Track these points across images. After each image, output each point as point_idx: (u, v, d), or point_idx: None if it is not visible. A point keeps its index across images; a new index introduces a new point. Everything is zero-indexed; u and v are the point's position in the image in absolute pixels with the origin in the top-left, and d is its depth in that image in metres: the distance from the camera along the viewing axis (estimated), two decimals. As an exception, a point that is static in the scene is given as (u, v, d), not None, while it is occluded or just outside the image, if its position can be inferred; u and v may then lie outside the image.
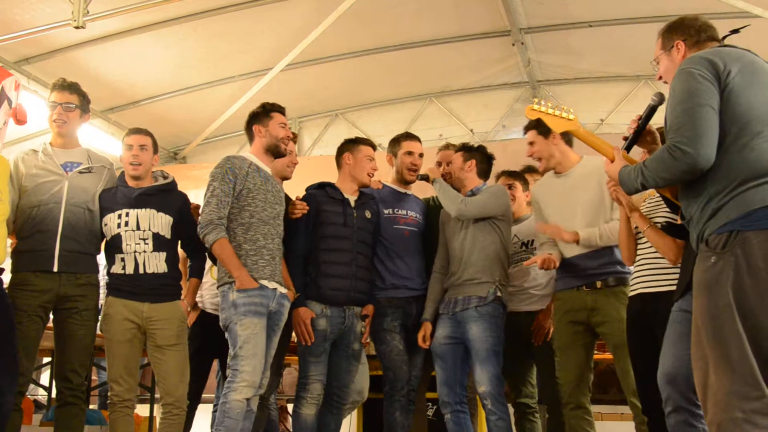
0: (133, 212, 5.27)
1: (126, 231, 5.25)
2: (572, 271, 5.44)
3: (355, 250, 5.58)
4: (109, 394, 5.31)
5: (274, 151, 5.31)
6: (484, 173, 5.90)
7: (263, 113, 5.37)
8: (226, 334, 4.96)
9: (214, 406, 5.81)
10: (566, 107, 4.18)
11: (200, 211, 5.11)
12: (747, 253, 3.17)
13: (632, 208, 4.85)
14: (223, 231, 4.95)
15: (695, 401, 4.03)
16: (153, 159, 5.58)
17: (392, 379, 5.67)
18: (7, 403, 4.62)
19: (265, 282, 4.96)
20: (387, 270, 5.82)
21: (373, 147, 5.97)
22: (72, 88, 5.42)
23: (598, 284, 5.26)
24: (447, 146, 6.48)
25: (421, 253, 6.02)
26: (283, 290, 5.14)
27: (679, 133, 3.33)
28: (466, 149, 5.96)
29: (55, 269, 5.08)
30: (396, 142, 6.20)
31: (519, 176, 6.48)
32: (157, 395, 6.01)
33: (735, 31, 3.77)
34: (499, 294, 5.53)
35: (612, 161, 3.91)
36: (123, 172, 5.51)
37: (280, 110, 5.41)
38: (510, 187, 6.27)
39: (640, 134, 4.19)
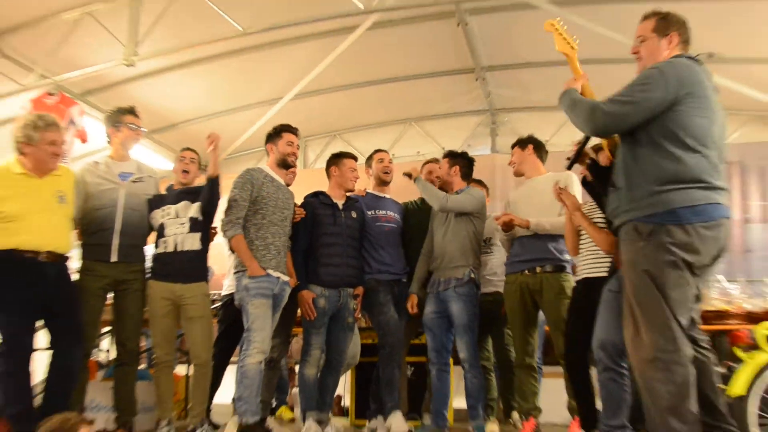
0: (172, 207, 5.42)
1: (168, 220, 5.38)
2: (518, 258, 5.56)
3: (345, 243, 5.67)
4: (153, 356, 5.38)
5: (283, 164, 5.42)
6: (466, 176, 5.94)
7: (275, 134, 5.49)
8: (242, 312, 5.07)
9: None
10: (575, 37, 4.05)
11: (224, 212, 5.20)
12: (669, 242, 3.31)
13: (574, 208, 4.93)
14: (240, 229, 5.09)
15: (620, 363, 4.20)
16: (197, 172, 5.73)
17: (392, 343, 5.67)
18: (77, 363, 4.82)
19: (270, 271, 5.07)
20: (373, 258, 5.89)
21: (355, 159, 6.04)
22: (135, 112, 5.59)
23: (538, 269, 5.38)
24: (432, 160, 6.56)
25: (399, 244, 6.09)
26: (286, 278, 5.23)
27: (608, 105, 3.47)
28: (452, 156, 5.99)
29: (113, 260, 5.21)
30: (370, 157, 6.34)
31: (482, 183, 6.54)
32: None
33: (710, 55, 3.77)
34: (473, 276, 5.62)
35: (576, 80, 3.94)
36: (171, 184, 5.66)
37: (290, 130, 5.50)
38: None
39: (580, 154, 4.30)
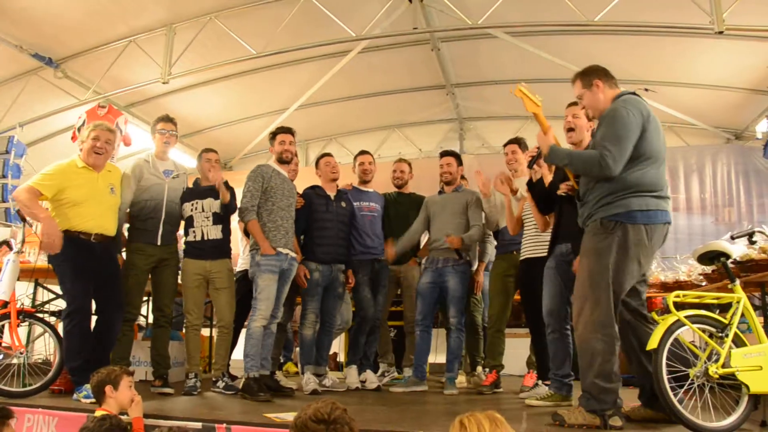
0: (200, 201, 5.40)
1: (196, 213, 5.38)
2: (505, 244, 5.63)
3: (336, 227, 5.70)
4: (184, 321, 5.42)
5: (281, 160, 5.37)
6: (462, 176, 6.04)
7: (272, 137, 5.49)
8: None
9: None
10: (539, 96, 3.96)
11: (241, 200, 5.23)
12: (625, 237, 3.47)
13: (516, 196, 5.01)
14: (254, 215, 5.11)
15: (565, 326, 4.42)
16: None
17: (362, 317, 5.85)
18: (117, 327, 4.85)
19: (280, 249, 5.08)
20: (357, 242, 5.93)
21: (330, 155, 6.05)
22: (173, 121, 5.59)
23: (514, 252, 5.43)
24: (400, 160, 6.58)
25: (380, 229, 6.10)
26: (293, 254, 5.25)
27: (610, 148, 3.46)
28: (457, 156, 5.98)
29: (158, 243, 5.24)
30: (355, 159, 6.40)
31: (464, 177, 6.46)
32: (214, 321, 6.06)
33: (647, 90, 3.81)
34: (468, 258, 5.70)
35: (545, 134, 3.88)
36: (197, 178, 5.66)
37: (282, 131, 5.45)
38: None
39: (539, 157, 4.38)
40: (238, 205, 5.31)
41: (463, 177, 6.36)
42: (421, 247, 6.36)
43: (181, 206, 5.43)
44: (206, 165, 5.50)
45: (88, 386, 4.19)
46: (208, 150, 5.64)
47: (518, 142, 5.83)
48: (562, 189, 4.11)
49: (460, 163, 5.94)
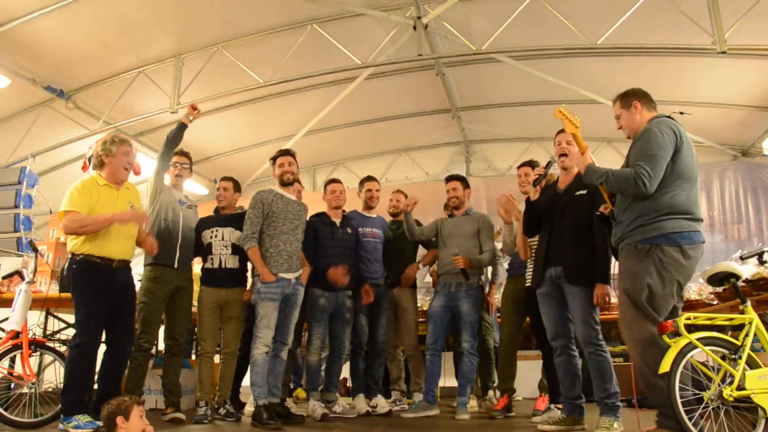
0: (220, 230, 5.41)
1: (215, 241, 5.38)
2: (516, 267, 5.55)
3: (342, 254, 5.60)
4: (199, 348, 5.38)
5: (283, 183, 5.29)
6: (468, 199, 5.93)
7: (272, 161, 5.41)
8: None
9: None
10: (578, 117, 4.05)
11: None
12: (661, 258, 3.52)
13: (519, 220, 4.99)
14: (254, 242, 5.02)
15: (571, 347, 4.40)
16: (234, 196, 5.70)
17: (357, 343, 5.83)
18: (128, 357, 4.74)
19: (282, 274, 4.99)
20: (359, 268, 5.86)
21: (337, 181, 5.97)
22: (187, 154, 5.55)
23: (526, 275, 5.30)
24: (397, 191, 6.52)
25: (381, 255, 6.05)
26: (297, 277, 5.11)
27: (645, 167, 3.54)
28: (463, 180, 5.90)
29: (176, 266, 5.19)
30: (361, 183, 6.32)
31: None
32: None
33: (682, 113, 3.89)
34: (480, 283, 5.64)
35: (582, 154, 3.95)
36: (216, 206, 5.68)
37: (281, 154, 5.38)
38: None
39: (545, 177, 4.50)
40: None
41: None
42: (430, 272, 6.31)
43: (200, 234, 5.43)
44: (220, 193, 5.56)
45: (79, 417, 4.17)
46: (223, 178, 5.71)
47: (532, 164, 5.78)
48: (601, 209, 4.11)
49: (466, 186, 5.88)
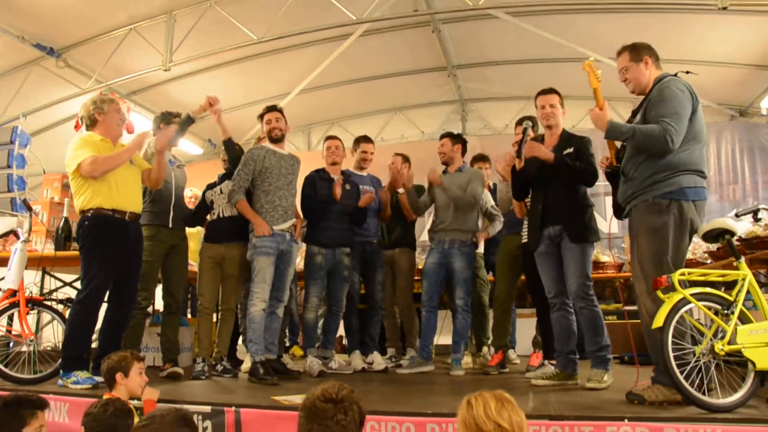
0: (218, 186, 5.54)
1: (216, 196, 5.49)
2: (511, 224, 5.63)
3: (340, 210, 5.59)
4: (198, 304, 5.46)
5: (270, 139, 5.30)
6: (463, 153, 5.88)
7: (260, 118, 5.40)
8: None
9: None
10: (600, 72, 4.01)
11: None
12: (680, 214, 3.58)
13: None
14: (242, 195, 5.10)
15: (568, 304, 4.49)
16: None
17: (350, 299, 5.85)
18: (129, 316, 4.75)
19: (276, 227, 5.03)
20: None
21: (335, 138, 5.96)
22: (179, 116, 5.49)
23: (521, 233, 5.37)
24: (396, 154, 6.45)
25: (375, 213, 6.06)
26: (290, 228, 5.17)
27: (672, 124, 3.54)
28: (452, 136, 5.87)
29: (170, 226, 5.27)
30: (357, 142, 6.30)
31: (486, 158, 6.54)
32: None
33: (688, 72, 3.83)
34: (474, 240, 5.67)
35: (601, 110, 3.87)
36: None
37: (268, 110, 5.36)
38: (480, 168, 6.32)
39: (523, 145, 4.58)
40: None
41: (484, 157, 6.48)
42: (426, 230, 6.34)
43: (204, 198, 5.54)
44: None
45: (78, 372, 4.23)
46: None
47: (531, 120, 5.76)
48: (602, 164, 4.15)
49: (456, 141, 5.81)
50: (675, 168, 3.60)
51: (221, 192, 5.46)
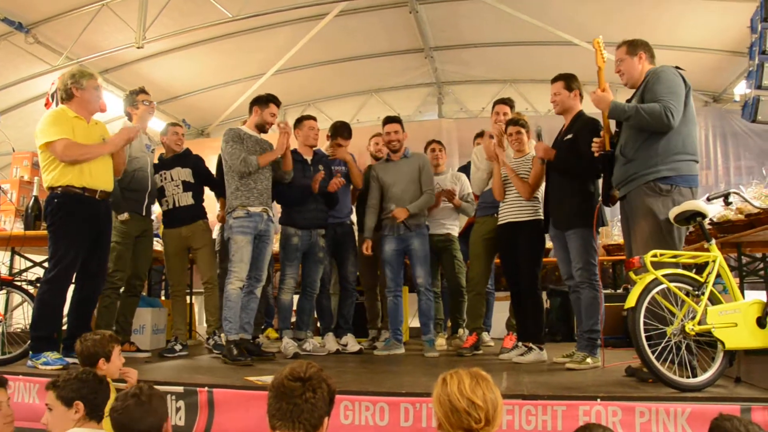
0: (167, 172, 5.56)
1: (166, 183, 5.51)
2: (486, 206, 5.62)
3: (312, 192, 5.53)
4: (169, 288, 5.46)
5: (261, 129, 5.30)
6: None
7: (263, 100, 5.32)
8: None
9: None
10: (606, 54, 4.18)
11: (230, 161, 5.06)
12: (678, 199, 3.73)
13: (503, 163, 5.06)
14: (251, 156, 5.03)
15: (579, 284, 4.52)
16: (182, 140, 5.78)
17: (324, 280, 5.87)
18: (97, 294, 4.73)
19: (251, 209, 5.00)
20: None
21: (314, 119, 5.87)
22: (147, 92, 5.47)
23: (495, 214, 5.40)
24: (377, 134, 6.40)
25: (347, 193, 6.09)
26: (270, 214, 5.16)
27: (671, 101, 3.74)
28: (400, 121, 5.86)
29: (144, 214, 5.32)
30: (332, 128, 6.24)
31: (440, 143, 6.53)
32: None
33: (677, 68, 3.96)
34: (427, 223, 5.77)
35: (603, 91, 4.04)
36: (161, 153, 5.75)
37: (276, 102, 5.33)
38: (433, 150, 6.35)
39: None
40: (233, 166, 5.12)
41: (437, 142, 6.47)
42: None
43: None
44: (174, 137, 5.71)
45: (48, 353, 4.18)
46: (176, 124, 5.87)
47: (507, 103, 5.78)
48: (594, 147, 4.23)
49: (402, 127, 5.84)
50: (676, 153, 3.76)
51: (171, 179, 5.49)
